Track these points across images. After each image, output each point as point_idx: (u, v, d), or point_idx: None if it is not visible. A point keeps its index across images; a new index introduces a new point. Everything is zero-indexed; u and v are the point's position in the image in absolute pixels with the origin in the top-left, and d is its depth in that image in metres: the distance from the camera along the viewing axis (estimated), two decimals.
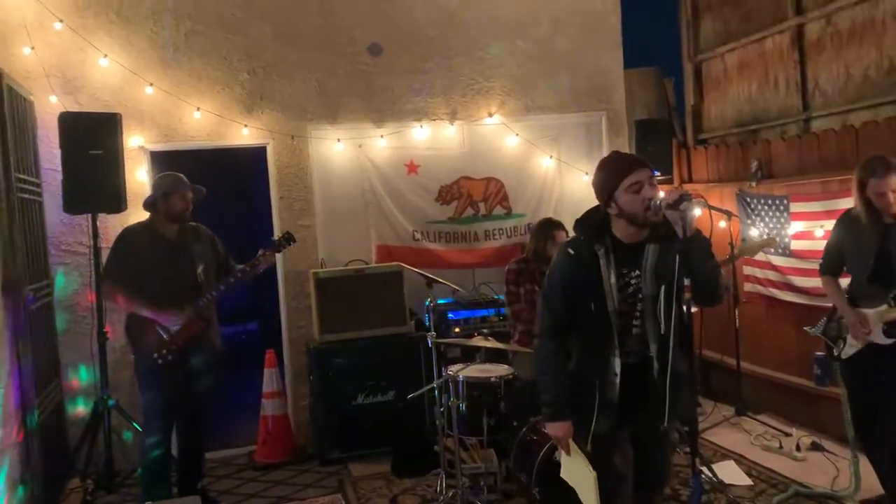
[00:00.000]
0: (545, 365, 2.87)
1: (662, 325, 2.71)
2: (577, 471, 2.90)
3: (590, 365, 2.81)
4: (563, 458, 2.98)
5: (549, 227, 4.87)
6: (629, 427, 2.86)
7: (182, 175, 4.30)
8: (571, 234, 4.17)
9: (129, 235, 4.26)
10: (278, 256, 5.53)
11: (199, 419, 4.42)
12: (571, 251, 2.81)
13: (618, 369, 2.76)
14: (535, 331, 2.96)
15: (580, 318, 2.82)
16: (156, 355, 4.08)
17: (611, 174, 2.75)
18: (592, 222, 2.84)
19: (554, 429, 2.86)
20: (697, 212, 2.59)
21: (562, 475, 3.01)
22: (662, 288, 2.70)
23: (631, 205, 2.67)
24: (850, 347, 3.75)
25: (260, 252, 4.28)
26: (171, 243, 4.22)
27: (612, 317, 2.75)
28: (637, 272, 2.75)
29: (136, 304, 4.11)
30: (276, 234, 5.58)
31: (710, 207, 2.58)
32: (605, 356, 2.77)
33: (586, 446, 2.83)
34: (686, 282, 2.55)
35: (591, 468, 2.77)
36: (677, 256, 2.58)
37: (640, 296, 2.76)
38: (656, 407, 2.76)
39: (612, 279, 2.74)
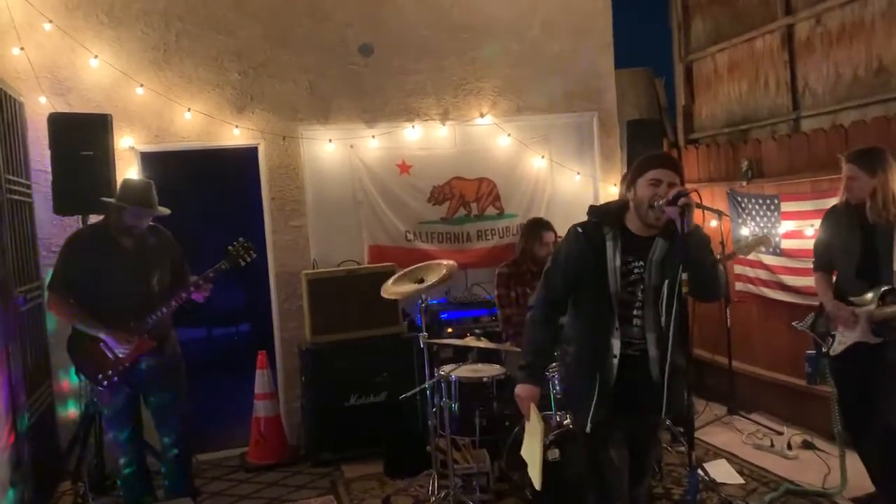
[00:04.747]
0: (532, 330, 2.98)
1: (663, 318, 2.78)
2: (531, 435, 2.97)
3: (590, 346, 2.88)
4: (528, 430, 3.02)
5: (536, 227, 4.89)
6: (625, 418, 2.89)
7: (151, 189, 4.04)
8: (560, 234, 4.22)
9: (80, 240, 4.01)
10: (269, 257, 5.56)
11: (176, 425, 4.13)
12: (581, 230, 2.91)
13: (617, 351, 2.82)
14: (531, 302, 3.02)
15: (582, 300, 2.91)
16: (100, 376, 3.88)
17: (642, 163, 2.89)
18: (607, 210, 2.96)
19: (523, 390, 2.92)
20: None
21: (521, 453, 3.08)
22: (666, 281, 2.78)
23: (643, 195, 2.79)
24: (839, 345, 3.77)
25: (222, 264, 4.03)
26: (125, 251, 3.97)
27: (613, 298, 2.82)
28: (641, 263, 2.83)
29: (83, 321, 3.87)
30: (264, 236, 5.58)
31: (701, 207, 2.65)
32: (606, 336, 2.84)
33: (585, 430, 2.88)
34: (684, 276, 2.61)
35: (540, 421, 2.92)
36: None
37: (642, 286, 2.83)
38: (653, 399, 2.80)
39: (617, 262, 2.82)
